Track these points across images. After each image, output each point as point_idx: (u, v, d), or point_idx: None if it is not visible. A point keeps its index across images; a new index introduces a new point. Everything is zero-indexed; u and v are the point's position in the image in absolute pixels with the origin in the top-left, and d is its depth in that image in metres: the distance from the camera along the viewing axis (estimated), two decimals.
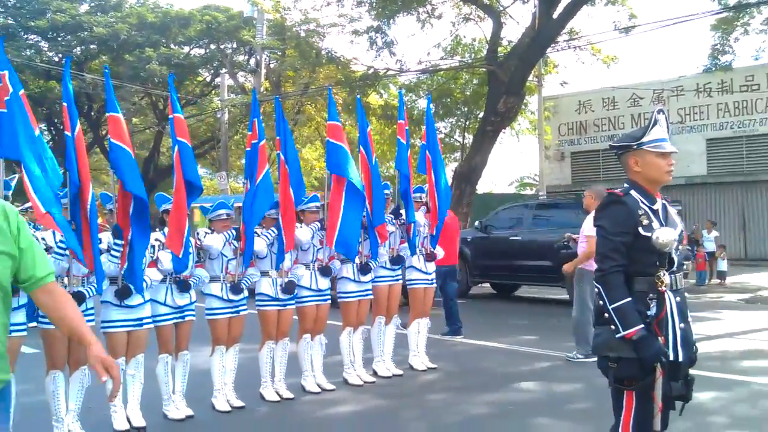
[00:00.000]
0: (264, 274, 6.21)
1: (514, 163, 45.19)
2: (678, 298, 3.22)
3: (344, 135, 6.68)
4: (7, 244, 2.24)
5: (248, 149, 6.27)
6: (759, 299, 13.58)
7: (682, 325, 3.19)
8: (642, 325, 3.06)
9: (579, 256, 7.73)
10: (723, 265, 16.31)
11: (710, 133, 23.30)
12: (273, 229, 6.18)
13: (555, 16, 17.08)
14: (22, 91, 4.88)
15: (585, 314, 7.79)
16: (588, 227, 7.47)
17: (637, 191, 3.23)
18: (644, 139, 3.21)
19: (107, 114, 5.36)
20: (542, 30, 16.95)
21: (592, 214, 7.61)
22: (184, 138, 5.59)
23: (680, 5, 33.48)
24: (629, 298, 3.09)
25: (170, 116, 5.76)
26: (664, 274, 3.17)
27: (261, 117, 6.30)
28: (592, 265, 7.60)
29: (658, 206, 3.24)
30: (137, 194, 5.02)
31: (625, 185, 3.29)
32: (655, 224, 3.15)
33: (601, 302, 3.18)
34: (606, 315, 3.15)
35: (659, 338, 3.11)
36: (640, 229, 3.12)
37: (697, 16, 17.76)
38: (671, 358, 3.10)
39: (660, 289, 3.15)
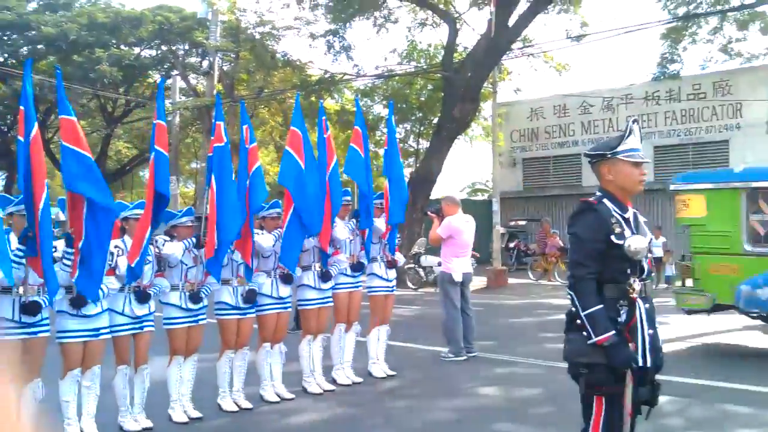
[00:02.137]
0: (224, 282, 6.08)
1: (467, 169, 45.60)
2: (647, 305, 3.27)
3: (301, 144, 6.54)
4: None
5: (210, 154, 6.13)
6: None
7: (650, 331, 3.25)
8: (614, 332, 3.10)
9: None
10: (670, 270, 16.68)
11: (658, 140, 23.84)
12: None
13: (510, 23, 17.29)
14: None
15: (452, 314, 8.07)
16: (441, 225, 8.30)
17: (609, 199, 3.26)
18: (619, 149, 3.25)
19: (60, 116, 5.20)
20: (498, 37, 17.14)
21: (448, 217, 8.01)
22: (161, 147, 5.49)
23: (630, 15, 34.28)
24: (601, 305, 3.13)
25: (153, 122, 5.68)
26: (635, 282, 3.22)
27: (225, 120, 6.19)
28: (450, 269, 8.04)
29: (629, 215, 3.28)
30: (99, 202, 4.84)
31: (598, 193, 3.32)
32: (627, 232, 3.19)
33: (573, 309, 3.20)
34: (578, 321, 3.16)
35: (630, 344, 3.15)
36: (613, 237, 3.16)
37: (648, 26, 18.21)
38: (640, 364, 3.15)
39: (631, 296, 3.19)
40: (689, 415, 5.87)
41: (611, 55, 64.79)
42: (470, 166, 63.73)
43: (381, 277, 7.43)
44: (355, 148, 7.15)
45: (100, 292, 5.06)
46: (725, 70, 21.45)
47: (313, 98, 19.81)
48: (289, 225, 6.36)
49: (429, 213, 8.97)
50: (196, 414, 5.83)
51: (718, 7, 17.69)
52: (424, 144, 23.75)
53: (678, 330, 10.28)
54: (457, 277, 8.22)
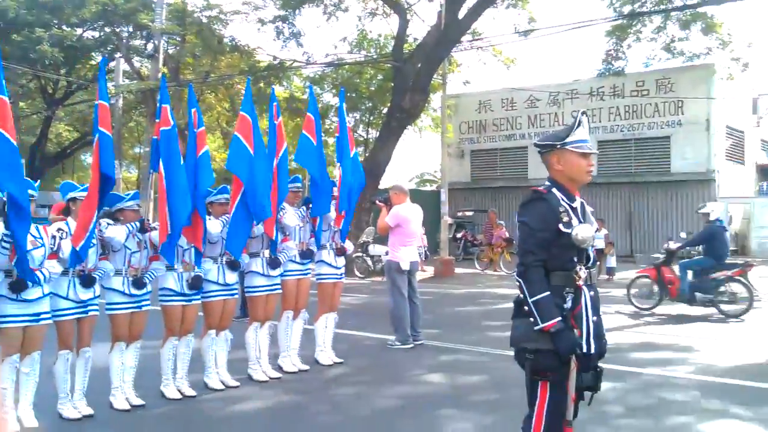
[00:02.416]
0: (169, 268, 5.98)
1: (415, 159, 45.72)
2: (592, 293, 3.34)
3: (251, 130, 6.45)
4: None
5: (155, 137, 5.99)
6: None
7: (594, 318, 3.31)
8: (560, 318, 3.15)
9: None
10: (612, 261, 17.08)
11: (601, 135, 24.36)
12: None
13: (460, 16, 17.39)
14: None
15: (399, 302, 8.20)
16: (389, 215, 8.41)
17: (558, 189, 3.31)
18: (568, 139, 3.30)
19: None
20: (447, 29, 17.22)
21: (396, 206, 8.17)
22: (105, 128, 5.35)
23: (577, 12, 34.90)
24: (548, 292, 3.18)
25: (96, 102, 5.51)
26: (581, 269, 3.28)
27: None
28: (397, 258, 8.21)
29: (576, 204, 3.34)
30: (10, 192, 4.66)
31: (547, 183, 3.37)
32: (575, 221, 3.25)
33: (521, 295, 3.25)
34: (525, 308, 3.21)
35: (575, 331, 3.21)
36: (561, 226, 3.21)
37: (593, 23, 18.45)
38: (585, 350, 3.21)
39: (577, 283, 3.25)
40: (627, 402, 6.03)
41: (558, 50, 65.90)
42: (419, 156, 64.06)
43: (330, 265, 7.41)
44: (307, 136, 7.08)
45: (42, 276, 4.92)
46: (668, 68, 22.05)
47: (261, 84, 19.58)
48: (236, 211, 6.29)
49: (377, 202, 8.97)
50: (138, 401, 5.73)
51: (662, 7, 18.11)
52: (374, 133, 23.75)
53: (618, 320, 10.57)
54: (405, 266, 8.27)
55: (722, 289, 10.72)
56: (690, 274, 11.05)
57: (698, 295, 10.83)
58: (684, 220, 23.20)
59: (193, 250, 6.07)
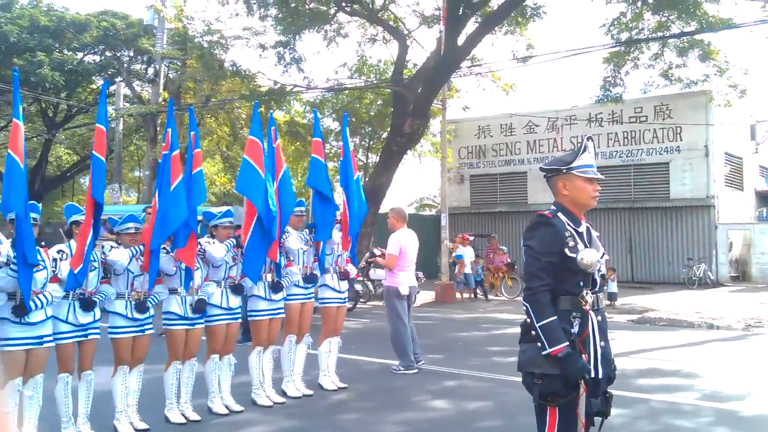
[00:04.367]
0: (172, 291, 5.97)
1: (415, 184, 45.86)
2: (599, 317, 3.34)
3: (261, 153, 6.50)
4: None
5: (161, 161, 6.05)
6: (647, 320, 14.28)
7: (602, 343, 3.30)
8: (567, 343, 3.14)
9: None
10: (613, 287, 17.04)
11: (600, 161, 24.26)
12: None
13: (459, 42, 17.53)
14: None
15: (399, 328, 8.18)
16: (390, 245, 8.35)
17: (563, 213, 3.33)
18: (574, 164, 3.33)
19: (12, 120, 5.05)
20: (447, 55, 17.35)
21: (395, 233, 8.13)
22: (99, 152, 5.39)
23: (575, 38, 35.23)
24: (555, 317, 3.17)
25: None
26: (588, 294, 3.29)
27: (160, 127, 6.12)
28: (396, 283, 8.16)
29: (582, 229, 3.36)
30: (18, 213, 4.70)
31: (553, 207, 3.38)
32: (580, 246, 3.26)
33: (528, 320, 3.25)
34: (533, 332, 3.21)
35: (583, 355, 3.20)
36: (566, 250, 3.22)
37: (591, 50, 18.59)
38: (593, 375, 3.20)
39: (584, 308, 3.26)
40: (635, 429, 5.99)
41: (556, 76, 66.42)
42: (418, 181, 64.27)
43: (333, 289, 7.40)
44: (318, 158, 7.17)
45: (44, 299, 4.91)
46: (666, 94, 22.17)
47: (262, 108, 19.66)
48: (253, 235, 6.30)
49: (376, 258, 9.13)
50: (142, 426, 5.69)
51: (659, 34, 18.28)
52: (374, 158, 23.81)
53: (622, 346, 10.52)
54: (404, 291, 8.27)
55: None
56: None
57: None
58: (684, 245, 23.22)
59: (182, 272, 6.02)
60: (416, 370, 8.25)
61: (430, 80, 17.83)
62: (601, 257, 3.38)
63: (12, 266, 4.69)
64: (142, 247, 5.70)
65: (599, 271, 3.38)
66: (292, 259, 7.02)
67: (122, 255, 5.55)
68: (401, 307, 8.30)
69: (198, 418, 6.07)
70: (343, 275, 7.45)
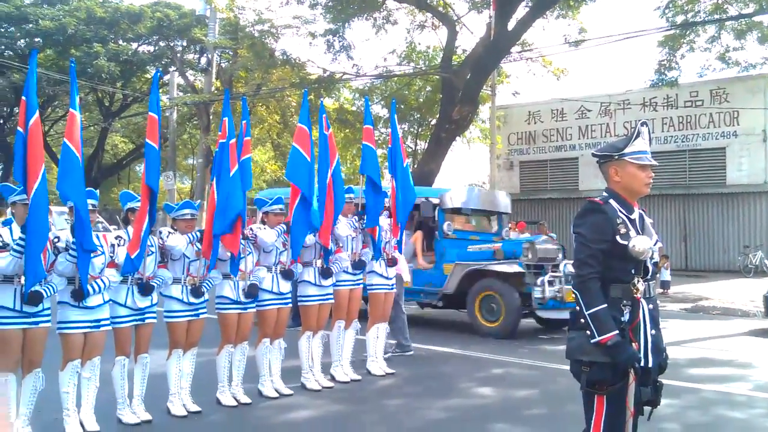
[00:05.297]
0: (226, 276, 6.09)
1: (464, 170, 45.52)
2: (650, 306, 3.28)
3: (309, 141, 6.58)
4: None
5: (217, 149, 6.17)
6: (700, 309, 14.01)
7: (653, 331, 3.25)
8: (617, 331, 3.10)
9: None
10: (666, 275, 16.73)
11: (655, 146, 23.70)
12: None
13: (509, 27, 17.34)
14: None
15: (398, 314, 8.23)
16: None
17: (615, 200, 3.28)
18: (626, 150, 3.27)
19: (69, 110, 5.20)
20: (497, 41, 17.18)
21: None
22: (152, 140, 5.48)
23: (629, 21, 34.43)
24: (605, 305, 3.13)
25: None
26: (639, 282, 3.24)
27: (213, 116, 6.21)
28: (401, 271, 8.12)
29: (635, 216, 3.30)
30: (75, 202, 4.83)
31: (604, 194, 3.34)
32: (632, 233, 3.21)
33: (577, 307, 3.21)
34: (582, 320, 3.18)
35: (633, 344, 3.16)
36: (618, 238, 3.18)
37: (646, 33, 18.19)
38: (643, 363, 3.16)
39: (635, 296, 3.21)
40: (685, 419, 5.91)
41: (609, 60, 65.04)
42: (467, 167, 63.81)
43: (381, 275, 7.46)
44: (370, 146, 7.23)
45: (102, 284, 5.06)
46: (722, 78, 21.58)
47: (312, 96, 19.82)
48: (295, 217, 6.40)
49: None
50: (194, 408, 5.83)
51: (716, 16, 17.77)
52: (422, 145, 23.78)
53: (675, 335, 10.34)
54: (406, 277, 8.43)
55: None
56: None
57: None
58: (740, 232, 22.62)
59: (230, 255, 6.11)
60: (412, 351, 8.42)
61: (479, 66, 17.70)
62: (654, 244, 3.32)
63: (71, 251, 4.85)
64: (199, 233, 5.83)
65: (652, 258, 3.32)
66: (341, 245, 7.09)
67: (180, 240, 5.68)
68: (400, 292, 8.47)
69: (249, 400, 6.19)
70: (391, 262, 7.49)
